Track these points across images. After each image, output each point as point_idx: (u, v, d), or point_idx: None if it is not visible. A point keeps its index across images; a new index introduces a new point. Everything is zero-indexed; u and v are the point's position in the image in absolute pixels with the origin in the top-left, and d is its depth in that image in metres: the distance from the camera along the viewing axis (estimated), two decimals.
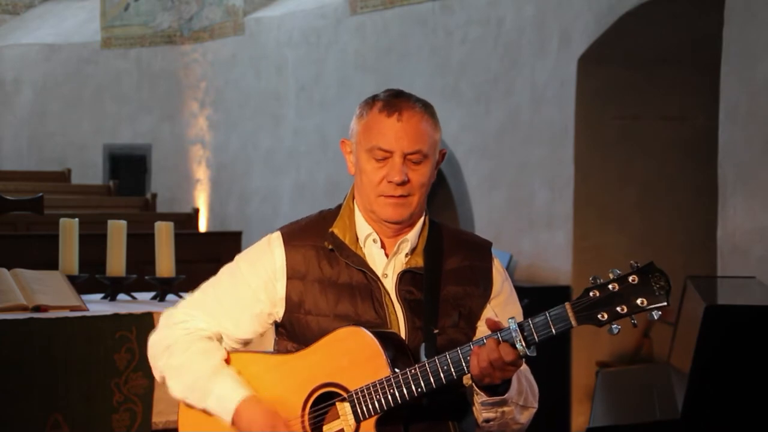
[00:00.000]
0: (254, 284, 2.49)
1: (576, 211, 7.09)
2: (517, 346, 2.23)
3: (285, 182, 10.49)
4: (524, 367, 2.46)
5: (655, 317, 2.19)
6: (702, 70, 6.83)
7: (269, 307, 2.50)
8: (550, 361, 6.30)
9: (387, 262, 2.46)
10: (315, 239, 2.48)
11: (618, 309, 2.20)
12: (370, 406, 2.33)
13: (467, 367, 2.27)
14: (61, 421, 3.99)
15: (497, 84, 7.80)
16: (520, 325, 2.24)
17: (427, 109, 2.45)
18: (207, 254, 7.09)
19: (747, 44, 5.17)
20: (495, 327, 2.27)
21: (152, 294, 4.77)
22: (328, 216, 2.53)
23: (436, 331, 2.40)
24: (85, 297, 4.45)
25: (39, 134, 12.87)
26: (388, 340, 2.36)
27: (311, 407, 2.39)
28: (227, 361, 2.49)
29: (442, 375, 2.29)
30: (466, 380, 2.34)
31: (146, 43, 12.38)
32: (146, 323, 4.15)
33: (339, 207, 2.54)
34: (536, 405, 2.47)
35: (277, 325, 2.54)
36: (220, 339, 2.53)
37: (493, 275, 2.52)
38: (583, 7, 7.00)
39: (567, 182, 7.12)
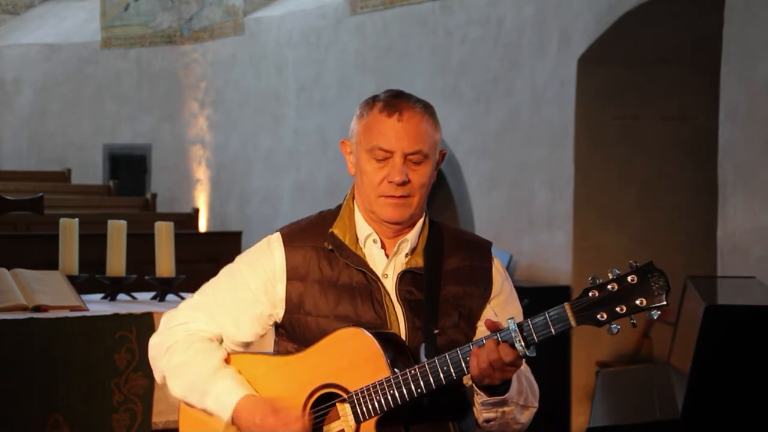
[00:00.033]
0: (254, 285, 2.49)
1: (576, 211, 7.09)
2: (517, 346, 2.23)
3: (285, 182, 10.49)
4: (524, 366, 2.46)
5: (655, 317, 2.19)
6: (702, 70, 6.84)
7: (269, 309, 2.50)
8: (550, 361, 6.30)
9: (387, 263, 2.46)
10: (315, 240, 2.48)
11: (617, 309, 2.20)
12: (370, 407, 2.33)
13: (467, 368, 2.27)
14: (61, 421, 3.99)
15: (497, 84, 7.80)
16: (519, 325, 2.24)
17: (428, 109, 2.45)
18: (207, 254, 7.09)
19: (747, 44, 5.17)
20: (494, 328, 2.27)
21: (152, 294, 4.77)
22: (328, 216, 2.53)
23: (436, 331, 2.40)
24: (85, 297, 4.45)
25: (39, 134, 12.87)
26: (387, 340, 2.36)
27: (311, 408, 2.39)
28: (227, 362, 2.49)
29: (441, 375, 2.29)
30: (467, 380, 2.34)
31: (146, 43, 12.38)
32: (146, 323, 4.16)
33: (339, 207, 2.54)
34: (536, 404, 2.47)
35: (277, 326, 2.54)
36: (220, 340, 2.53)
37: (493, 275, 2.52)
38: (583, 7, 7.00)
39: (567, 182, 7.12)
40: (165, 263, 4.70)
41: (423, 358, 2.34)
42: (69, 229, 4.66)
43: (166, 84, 12.14)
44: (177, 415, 2.57)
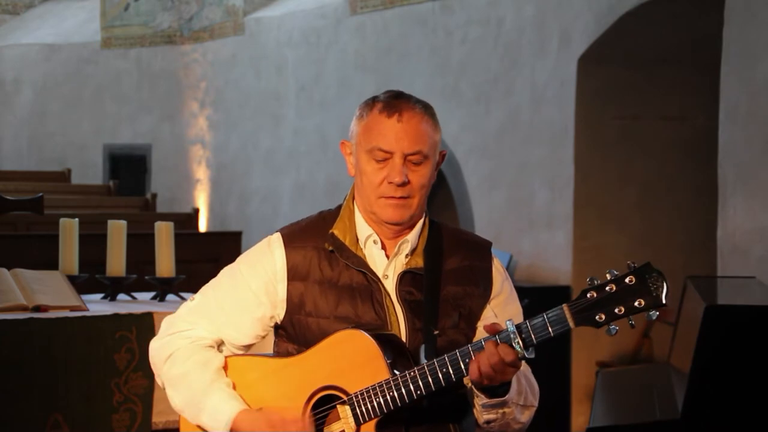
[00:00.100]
0: (255, 286, 2.49)
1: (576, 211, 7.09)
2: (515, 348, 2.23)
3: (285, 182, 10.49)
4: (524, 366, 2.46)
5: (653, 318, 2.19)
6: (702, 70, 6.84)
7: (270, 310, 2.50)
8: (550, 361, 6.30)
9: (387, 263, 2.46)
10: (315, 240, 2.48)
11: (615, 310, 2.20)
12: (370, 409, 2.33)
13: (466, 370, 2.27)
14: (61, 421, 3.99)
15: (497, 84, 7.80)
16: (517, 327, 2.24)
17: (427, 110, 2.45)
18: (207, 254, 7.09)
19: (747, 44, 5.17)
20: (493, 330, 2.27)
21: (152, 294, 4.76)
22: (328, 217, 2.52)
23: (436, 332, 2.40)
24: (85, 297, 4.45)
25: (39, 134, 12.87)
26: (387, 342, 2.36)
27: (311, 410, 2.39)
28: (227, 366, 2.49)
29: (441, 377, 2.29)
30: (467, 381, 2.34)
31: (146, 43, 12.38)
32: (146, 323, 4.15)
33: (339, 207, 2.54)
34: (536, 403, 2.47)
35: (277, 327, 2.54)
36: (220, 345, 2.53)
37: (493, 275, 2.52)
38: (583, 7, 7.00)
39: (567, 182, 7.12)
40: (165, 263, 4.70)
41: (423, 359, 2.34)
42: (69, 229, 4.66)
43: (166, 84, 12.14)
44: (177, 415, 2.57)
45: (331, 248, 2.46)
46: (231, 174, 11.32)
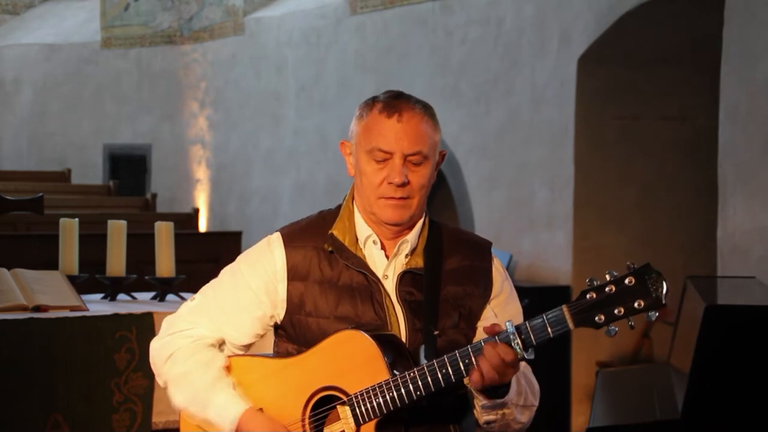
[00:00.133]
0: (255, 286, 2.49)
1: (576, 211, 7.09)
2: (515, 349, 2.23)
3: (285, 182, 10.49)
4: (524, 366, 2.46)
5: (653, 319, 2.19)
6: (702, 70, 6.84)
7: (270, 309, 2.50)
8: (550, 361, 6.30)
9: (387, 264, 2.46)
10: (315, 240, 2.48)
11: (615, 311, 2.19)
12: (370, 409, 2.32)
13: (466, 370, 2.27)
14: (61, 421, 3.99)
15: (497, 84, 7.80)
16: (517, 328, 2.24)
17: (427, 110, 2.44)
18: (207, 254, 7.09)
19: (747, 44, 5.17)
20: (492, 331, 2.27)
21: (152, 294, 4.77)
22: (328, 217, 2.52)
23: (436, 332, 2.39)
24: (85, 297, 4.45)
25: (39, 134, 12.87)
26: (387, 342, 2.36)
27: (311, 411, 2.39)
28: (228, 367, 2.49)
29: (440, 378, 2.29)
30: (467, 381, 2.34)
31: (146, 43, 12.38)
32: (146, 323, 4.15)
33: (339, 207, 2.53)
34: (537, 403, 2.47)
35: (277, 327, 2.54)
36: (222, 344, 2.53)
37: (493, 275, 2.52)
38: (583, 7, 7.00)
39: (567, 182, 7.12)
40: (165, 263, 4.70)
41: (423, 360, 2.34)
42: (69, 229, 4.66)
43: (166, 84, 12.14)
44: (177, 415, 2.58)
45: (330, 249, 2.46)
46: (231, 174, 11.32)
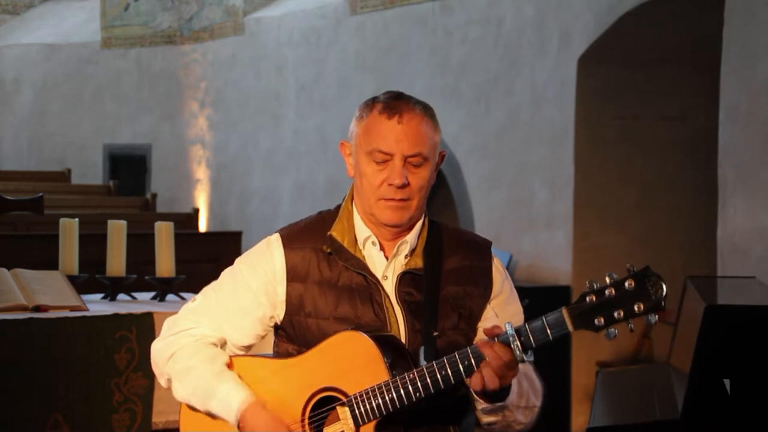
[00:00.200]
0: (255, 287, 2.49)
1: (576, 211, 7.09)
2: (515, 352, 2.23)
3: (285, 182, 10.49)
4: (527, 366, 2.46)
5: (652, 321, 2.19)
6: (702, 70, 6.84)
7: (270, 310, 2.50)
8: (550, 361, 6.28)
9: (387, 264, 2.46)
10: (314, 241, 2.47)
11: (615, 314, 2.18)
12: (369, 411, 2.32)
13: (465, 372, 2.27)
14: (61, 421, 3.99)
15: (497, 84, 7.80)
16: (517, 330, 2.23)
17: (427, 111, 2.44)
18: (207, 254, 7.09)
19: (747, 44, 5.17)
20: (492, 333, 2.26)
21: (152, 294, 4.76)
22: (327, 217, 2.52)
23: (435, 333, 2.39)
24: (85, 297, 4.45)
25: (39, 134, 12.88)
26: (387, 343, 2.36)
27: (311, 411, 2.39)
28: (229, 365, 2.50)
29: (440, 380, 2.28)
30: (468, 381, 2.34)
31: (146, 43, 12.38)
32: (146, 323, 4.15)
33: (338, 208, 2.53)
34: (539, 402, 2.47)
35: (277, 327, 2.54)
36: (224, 344, 2.54)
37: (493, 275, 2.51)
38: (583, 7, 7.00)
39: (567, 182, 7.12)
40: (165, 263, 4.70)
41: (422, 361, 2.34)
42: (69, 229, 4.66)
43: (166, 84, 12.14)
44: (177, 415, 2.58)
45: (329, 250, 2.45)
46: (231, 174, 11.32)
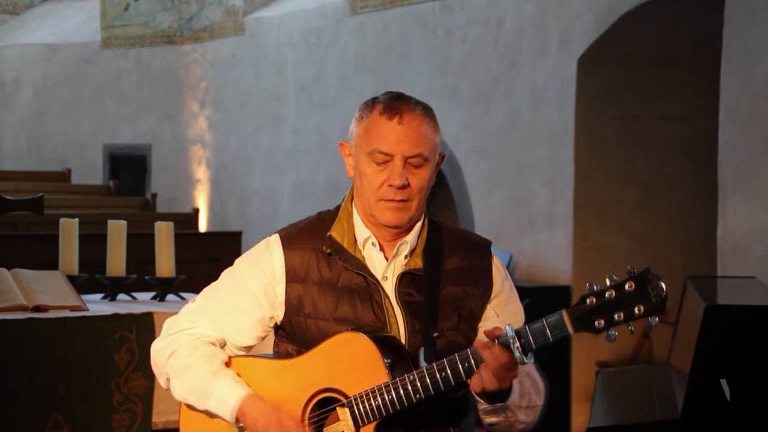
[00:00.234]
0: (254, 288, 2.49)
1: (576, 211, 7.09)
2: (514, 353, 2.22)
3: (285, 182, 10.49)
4: (529, 367, 2.46)
5: (653, 324, 2.18)
6: (702, 70, 6.84)
7: (270, 311, 2.50)
8: (550, 361, 6.28)
9: (387, 265, 2.45)
10: (314, 242, 2.47)
11: (615, 316, 2.18)
12: (369, 412, 2.32)
13: (465, 374, 2.27)
14: (61, 421, 3.99)
15: (497, 84, 7.80)
16: (517, 332, 2.23)
17: (428, 112, 2.43)
18: (207, 254, 7.09)
19: (747, 44, 5.17)
20: (492, 335, 2.26)
21: (152, 294, 4.77)
22: (327, 218, 2.52)
23: (435, 334, 2.39)
24: (85, 297, 4.45)
25: (39, 134, 12.87)
26: (387, 344, 2.35)
27: (311, 412, 2.39)
28: (228, 365, 2.50)
29: (440, 381, 2.28)
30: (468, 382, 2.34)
31: (146, 43, 12.38)
32: (146, 323, 4.16)
33: (338, 208, 2.53)
34: (542, 401, 2.47)
35: (277, 328, 2.54)
36: (223, 345, 2.54)
37: (493, 274, 2.51)
38: (583, 7, 7.00)
39: (567, 182, 7.12)
40: (165, 263, 4.70)
41: (422, 362, 2.34)
42: (69, 229, 4.66)
43: (166, 84, 12.14)
44: (177, 415, 2.58)
45: (329, 251, 2.45)
46: (231, 174, 11.32)
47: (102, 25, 12.71)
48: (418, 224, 2.48)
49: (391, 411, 2.31)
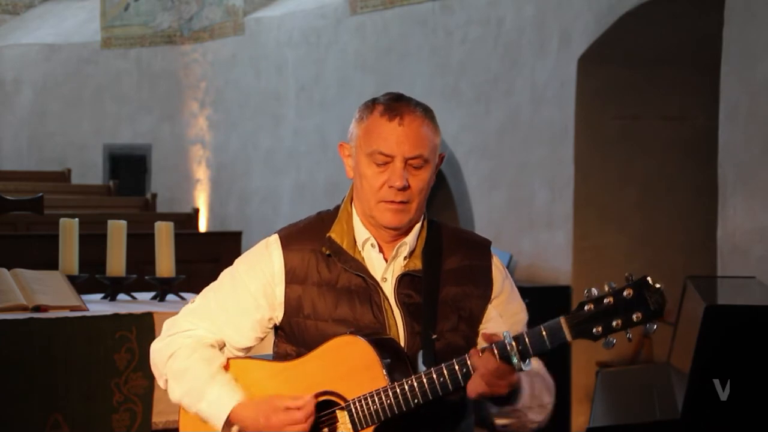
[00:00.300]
0: (254, 289, 2.49)
1: (576, 211, 7.08)
2: (513, 360, 2.22)
3: (285, 182, 10.48)
4: (538, 364, 2.45)
5: (650, 331, 2.18)
6: (702, 70, 6.83)
7: (269, 312, 2.50)
8: (550, 360, 6.28)
9: (386, 266, 2.45)
10: (313, 243, 2.47)
11: (613, 323, 2.18)
12: (368, 416, 2.33)
13: (464, 379, 2.27)
14: (61, 421, 3.99)
15: (497, 84, 7.80)
16: (515, 338, 2.23)
17: (428, 113, 2.43)
18: (207, 254, 7.09)
19: (747, 44, 5.17)
20: (490, 340, 2.26)
21: (152, 294, 4.77)
22: (327, 218, 2.52)
23: (434, 336, 2.38)
24: (85, 297, 4.45)
25: (39, 134, 12.87)
26: (385, 347, 2.35)
27: None
28: (227, 367, 2.49)
29: (438, 387, 2.28)
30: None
31: (146, 43, 12.38)
32: (146, 323, 4.16)
33: (337, 209, 2.53)
34: (552, 400, 2.47)
35: (276, 328, 2.54)
36: (222, 346, 2.53)
37: (493, 274, 2.51)
38: (583, 7, 7.00)
39: (567, 182, 7.11)
40: (165, 263, 4.70)
41: (421, 364, 2.34)
42: (69, 229, 4.66)
43: (166, 84, 12.14)
44: (177, 415, 2.58)
45: (328, 252, 2.45)
46: (231, 174, 11.32)
47: (102, 25, 12.71)
48: (418, 225, 2.48)
49: (390, 415, 2.31)
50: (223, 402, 2.41)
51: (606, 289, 2.20)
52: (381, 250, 2.46)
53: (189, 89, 11.93)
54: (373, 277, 2.43)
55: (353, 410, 2.34)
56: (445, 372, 2.28)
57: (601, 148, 7.13)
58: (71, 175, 11.45)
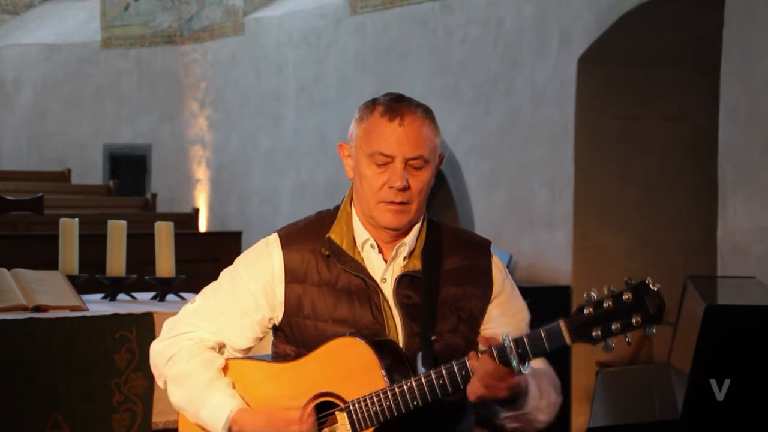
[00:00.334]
0: (254, 289, 2.48)
1: (576, 211, 7.08)
2: (512, 363, 2.22)
3: (285, 182, 10.48)
4: (543, 363, 2.45)
5: (650, 334, 2.18)
6: (702, 70, 6.83)
7: (269, 312, 2.49)
8: (551, 360, 6.29)
9: (386, 267, 2.45)
10: (313, 242, 2.47)
11: (612, 327, 2.17)
12: (367, 417, 2.33)
13: (463, 382, 2.27)
14: (61, 421, 3.99)
15: (497, 84, 7.80)
16: (515, 341, 2.23)
17: (428, 114, 2.43)
18: (207, 254, 7.09)
19: (747, 44, 5.17)
20: (488, 342, 2.26)
21: (152, 294, 4.77)
22: (327, 218, 2.51)
23: (433, 337, 2.38)
24: (85, 297, 4.45)
25: (39, 134, 12.87)
26: (384, 348, 2.35)
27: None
28: (226, 369, 2.49)
29: (437, 390, 2.28)
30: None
31: (146, 43, 12.38)
32: (146, 323, 4.15)
33: (337, 209, 2.52)
34: (558, 397, 2.47)
35: (276, 328, 2.53)
36: (222, 347, 2.53)
37: (493, 274, 2.50)
38: (583, 7, 7.00)
39: (567, 182, 7.11)
40: (165, 263, 4.70)
41: (420, 366, 2.34)
42: (69, 229, 4.66)
43: (166, 84, 12.14)
44: (177, 415, 2.58)
45: (327, 253, 2.45)
46: (231, 174, 11.32)
47: (102, 25, 12.71)
48: (417, 225, 2.47)
49: (389, 417, 2.31)
50: (222, 407, 2.41)
51: (605, 292, 2.19)
52: (380, 251, 2.46)
53: (189, 89, 11.93)
54: (372, 278, 2.43)
55: (353, 411, 2.33)
56: (444, 374, 2.28)
57: (601, 148, 7.13)
58: (71, 175, 11.45)
